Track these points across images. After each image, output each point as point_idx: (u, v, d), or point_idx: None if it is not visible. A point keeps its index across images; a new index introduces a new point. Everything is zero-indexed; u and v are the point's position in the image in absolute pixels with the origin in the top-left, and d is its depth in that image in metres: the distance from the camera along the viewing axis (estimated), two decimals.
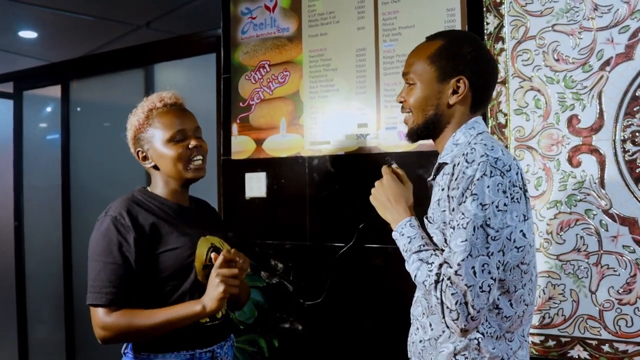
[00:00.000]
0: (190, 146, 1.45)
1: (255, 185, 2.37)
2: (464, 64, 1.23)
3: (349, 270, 2.14)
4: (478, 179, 1.10)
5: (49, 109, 3.67)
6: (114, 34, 3.73)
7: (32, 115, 3.65)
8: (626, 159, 1.69)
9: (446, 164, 1.24)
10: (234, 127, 2.42)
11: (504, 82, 1.86)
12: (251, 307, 2.18)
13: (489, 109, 1.88)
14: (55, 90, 3.41)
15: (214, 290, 1.33)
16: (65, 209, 3.33)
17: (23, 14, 3.33)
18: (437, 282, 1.12)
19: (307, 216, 2.25)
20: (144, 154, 1.48)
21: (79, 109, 3.38)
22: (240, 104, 2.42)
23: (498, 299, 1.16)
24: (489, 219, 1.09)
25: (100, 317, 1.32)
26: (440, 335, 1.21)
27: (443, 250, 1.17)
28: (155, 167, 1.49)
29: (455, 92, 1.24)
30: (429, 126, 1.28)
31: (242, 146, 2.40)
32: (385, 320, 2.06)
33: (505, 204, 1.10)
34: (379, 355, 2.07)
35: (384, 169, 1.36)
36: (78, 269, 3.30)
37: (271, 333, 2.26)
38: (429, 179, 1.33)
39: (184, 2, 3.17)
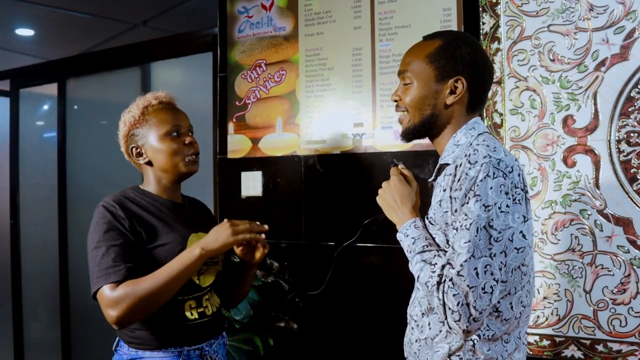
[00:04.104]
0: (185, 142, 1.48)
1: (251, 184, 2.36)
2: (463, 64, 1.23)
3: (346, 269, 2.14)
4: (481, 180, 1.10)
5: (45, 107, 3.67)
6: (110, 32, 3.72)
7: (28, 113, 3.64)
8: (621, 159, 1.69)
9: (448, 164, 1.24)
10: (230, 126, 2.42)
11: (499, 82, 1.87)
12: (247, 306, 2.18)
13: (484, 109, 1.88)
14: (51, 88, 3.40)
15: (221, 232, 1.34)
16: (61, 207, 3.33)
17: (20, 12, 3.32)
18: (439, 283, 1.12)
19: (303, 215, 2.24)
20: (139, 149, 1.50)
21: (75, 107, 3.38)
22: (237, 103, 2.41)
23: (499, 302, 1.15)
24: (492, 220, 1.09)
25: (107, 295, 1.28)
26: (436, 335, 1.21)
27: (446, 251, 1.17)
28: (149, 163, 1.50)
29: (452, 92, 1.24)
30: (426, 125, 1.27)
31: (238, 145, 2.40)
32: (381, 319, 2.06)
33: (507, 205, 1.10)
34: (375, 354, 2.07)
35: (392, 170, 1.36)
36: (74, 267, 3.30)
37: (266, 332, 2.25)
38: (430, 179, 1.33)
39: (181, 1, 3.17)
